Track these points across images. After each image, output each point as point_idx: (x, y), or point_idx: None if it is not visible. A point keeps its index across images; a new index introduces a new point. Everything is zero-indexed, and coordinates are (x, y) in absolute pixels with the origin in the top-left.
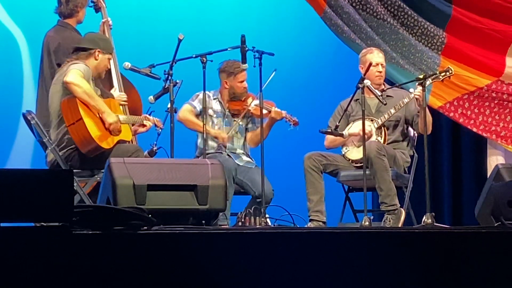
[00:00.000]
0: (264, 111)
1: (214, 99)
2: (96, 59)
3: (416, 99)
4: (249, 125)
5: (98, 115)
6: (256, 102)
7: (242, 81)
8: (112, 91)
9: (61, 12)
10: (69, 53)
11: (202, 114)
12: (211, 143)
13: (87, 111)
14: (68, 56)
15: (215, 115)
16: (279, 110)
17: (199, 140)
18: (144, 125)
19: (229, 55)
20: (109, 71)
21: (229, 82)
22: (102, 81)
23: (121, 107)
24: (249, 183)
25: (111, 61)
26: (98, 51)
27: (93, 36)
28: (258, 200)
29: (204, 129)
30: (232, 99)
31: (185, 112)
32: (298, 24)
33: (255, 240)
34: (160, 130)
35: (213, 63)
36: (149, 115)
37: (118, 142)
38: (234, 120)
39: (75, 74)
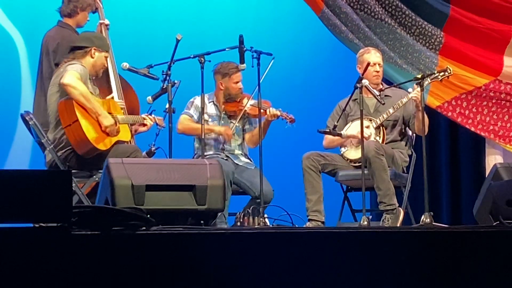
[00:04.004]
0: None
1: (210, 102)
2: (92, 57)
3: (414, 100)
4: (247, 126)
5: (95, 117)
6: (252, 102)
7: (237, 82)
8: (109, 98)
9: (62, 11)
10: (67, 53)
11: (200, 119)
12: (208, 146)
13: (83, 113)
14: (65, 56)
15: (210, 119)
16: (274, 110)
17: (197, 145)
18: (144, 125)
19: (227, 55)
20: (107, 74)
21: (224, 83)
22: (100, 84)
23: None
24: (248, 184)
25: (109, 63)
26: (94, 49)
27: (88, 35)
28: (258, 200)
29: (203, 131)
30: (228, 101)
31: (184, 122)
32: (296, 24)
33: (254, 240)
34: (161, 129)
35: (211, 63)
36: (150, 114)
37: (117, 142)
38: (231, 122)
39: (72, 75)
